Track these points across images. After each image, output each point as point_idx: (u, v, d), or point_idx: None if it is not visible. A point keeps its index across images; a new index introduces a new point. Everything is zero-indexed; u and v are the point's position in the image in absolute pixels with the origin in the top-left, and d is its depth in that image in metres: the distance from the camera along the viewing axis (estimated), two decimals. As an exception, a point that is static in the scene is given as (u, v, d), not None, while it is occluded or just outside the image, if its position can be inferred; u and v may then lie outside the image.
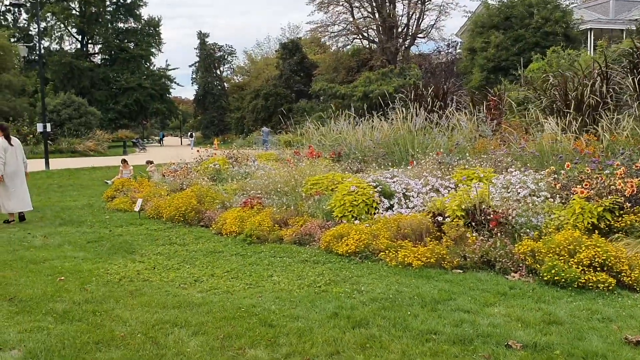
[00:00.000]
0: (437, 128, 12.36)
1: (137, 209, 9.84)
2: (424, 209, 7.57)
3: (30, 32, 59.21)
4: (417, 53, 48.55)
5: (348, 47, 48.70)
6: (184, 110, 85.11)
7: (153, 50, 65.49)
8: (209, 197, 9.63)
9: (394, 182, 8.33)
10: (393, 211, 7.72)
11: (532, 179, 7.56)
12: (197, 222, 9.12)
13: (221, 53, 73.79)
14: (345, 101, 39.69)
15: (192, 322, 4.44)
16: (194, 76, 72.96)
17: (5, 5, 60.39)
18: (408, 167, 9.97)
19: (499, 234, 6.30)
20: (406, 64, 41.07)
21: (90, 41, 63.77)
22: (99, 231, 8.81)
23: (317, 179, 9.38)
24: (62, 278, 5.91)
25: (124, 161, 18.64)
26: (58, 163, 25.25)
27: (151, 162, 18.53)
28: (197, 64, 71.59)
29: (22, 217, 10.09)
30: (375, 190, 7.95)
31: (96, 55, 65.15)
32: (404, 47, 47.47)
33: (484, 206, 6.75)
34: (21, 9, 60.41)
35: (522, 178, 7.57)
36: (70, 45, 62.93)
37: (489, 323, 4.33)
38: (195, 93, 71.51)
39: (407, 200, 7.94)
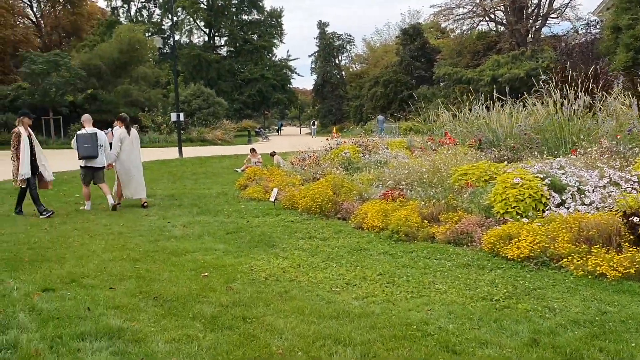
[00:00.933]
0: (603, 113, 10.80)
1: (272, 199, 9.47)
2: (604, 206, 6.38)
3: (162, 27, 62.75)
4: (549, 34, 44.99)
5: (473, 30, 46.35)
6: (302, 100, 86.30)
7: (275, 41, 66.82)
8: (345, 187, 9.01)
9: (563, 173, 7.16)
10: (566, 208, 6.59)
11: None
12: (334, 214, 8.54)
13: (340, 42, 73.61)
14: (471, 86, 37.72)
15: (357, 339, 3.77)
16: (313, 66, 73.54)
17: (142, 2, 64.47)
18: (572, 157, 8.69)
19: None
20: (538, 46, 38.16)
21: (216, 34, 66.39)
22: (236, 221, 8.51)
23: (465, 168, 8.43)
24: (206, 274, 5.52)
25: (253, 150, 18.72)
26: (189, 151, 26.19)
27: (274, 154, 18.41)
28: (316, 54, 72.01)
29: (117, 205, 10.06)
30: (544, 183, 6.86)
31: (222, 47, 67.67)
32: (534, 28, 44.26)
33: (694, 206, 5.46)
34: (155, 4, 64.20)
35: None
36: (198, 38, 66.03)
37: None
38: (314, 82, 72.11)
39: (581, 196, 6.76)
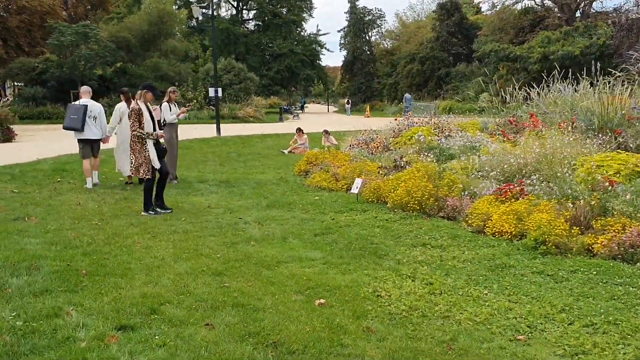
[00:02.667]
0: None
1: (354, 190, 8.03)
2: None
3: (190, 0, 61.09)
4: (599, 10, 42.34)
5: (518, 5, 43.98)
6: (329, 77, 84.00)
7: (304, 15, 64.78)
8: (446, 179, 7.56)
9: None
10: None
11: None
12: (436, 211, 7.13)
13: (370, 17, 71.19)
14: (518, 64, 35.71)
15: None
16: (342, 41, 71.36)
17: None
18: None
19: None
20: (590, 22, 35.83)
21: (244, 7, 64.60)
22: (318, 218, 7.15)
23: (598, 159, 6.94)
24: (322, 301, 4.18)
25: (299, 130, 17.30)
26: (223, 129, 24.83)
27: (327, 132, 16.99)
28: (345, 29, 69.76)
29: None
30: None
31: (250, 21, 65.90)
32: (584, 2, 41.75)
33: None
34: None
35: None
36: (226, 11, 64.26)
37: None
38: (343, 59, 70.00)
39: None
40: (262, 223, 6.94)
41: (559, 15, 39.34)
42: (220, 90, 23.54)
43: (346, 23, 69.21)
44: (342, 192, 9.10)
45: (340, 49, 74.59)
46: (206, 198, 8.70)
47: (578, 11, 39.79)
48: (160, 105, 10.34)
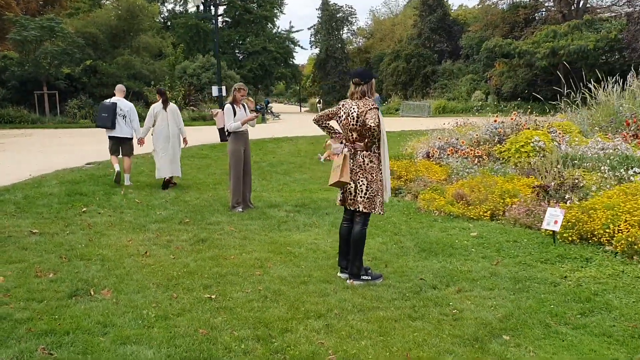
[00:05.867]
0: None
1: (552, 227, 5.52)
2: None
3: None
4: (596, 5, 41.01)
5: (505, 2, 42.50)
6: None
7: (275, 11, 61.98)
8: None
9: None
10: None
11: None
12: None
13: (341, 14, 68.93)
14: (517, 60, 34.06)
15: None
16: (312, 39, 68.85)
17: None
18: None
19: None
20: (594, 15, 34.50)
21: (212, 3, 61.34)
22: (532, 276, 4.69)
23: None
24: None
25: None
26: (210, 132, 22.02)
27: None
28: (315, 26, 67.27)
29: (167, 182, 9.26)
30: None
31: (219, 17, 62.66)
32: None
33: None
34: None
35: None
36: (193, 7, 60.77)
37: None
38: (316, 57, 67.48)
39: None
40: (460, 288, 4.46)
41: (553, 8, 37.96)
42: (224, 88, 20.71)
43: (316, 20, 66.81)
44: (484, 221, 6.72)
45: (311, 47, 72.06)
46: (313, 237, 6.14)
47: (573, 5, 38.41)
48: (222, 108, 7.87)
